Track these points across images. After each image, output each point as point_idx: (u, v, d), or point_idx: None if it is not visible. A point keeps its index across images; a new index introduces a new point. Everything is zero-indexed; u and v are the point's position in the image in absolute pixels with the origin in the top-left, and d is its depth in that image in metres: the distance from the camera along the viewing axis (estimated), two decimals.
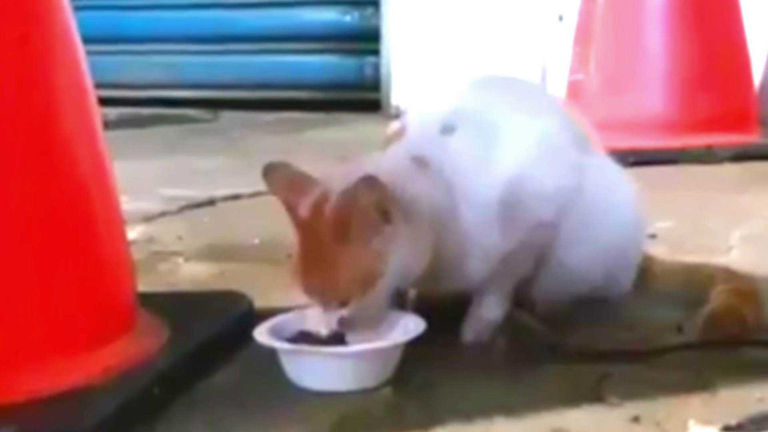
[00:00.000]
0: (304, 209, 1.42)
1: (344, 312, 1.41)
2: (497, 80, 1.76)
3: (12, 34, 1.33)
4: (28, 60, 1.34)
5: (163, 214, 2.59)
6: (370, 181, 1.36)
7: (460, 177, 1.51)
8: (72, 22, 1.43)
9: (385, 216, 1.39)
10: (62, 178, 1.37)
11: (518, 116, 1.58)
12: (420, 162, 1.50)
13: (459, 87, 1.71)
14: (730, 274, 1.71)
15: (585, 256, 1.63)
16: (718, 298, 1.60)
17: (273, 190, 1.45)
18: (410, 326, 1.45)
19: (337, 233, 1.38)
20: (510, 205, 1.51)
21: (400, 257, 1.42)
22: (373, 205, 1.38)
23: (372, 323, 1.44)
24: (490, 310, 1.59)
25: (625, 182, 1.71)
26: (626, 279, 1.72)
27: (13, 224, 1.31)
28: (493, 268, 1.54)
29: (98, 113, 1.46)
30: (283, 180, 1.46)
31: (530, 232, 1.55)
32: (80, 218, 1.40)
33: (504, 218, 1.52)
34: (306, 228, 1.42)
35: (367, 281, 1.40)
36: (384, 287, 1.42)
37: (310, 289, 1.42)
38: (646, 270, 1.77)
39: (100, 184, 1.45)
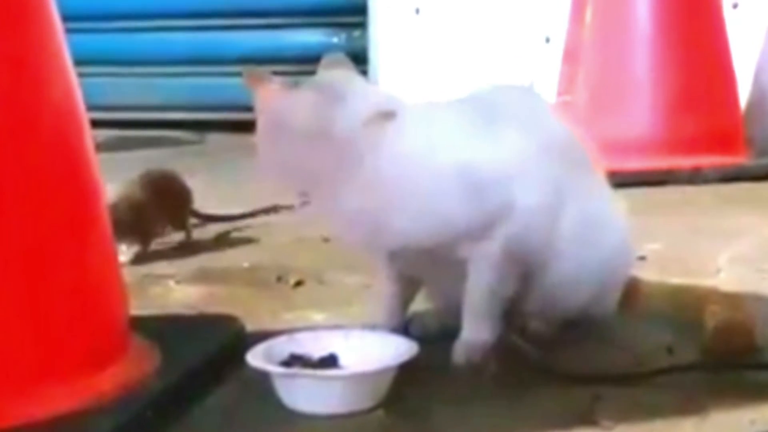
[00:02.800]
0: None
1: None
2: (502, 90, 1.76)
3: (5, 57, 1.33)
4: (21, 82, 1.34)
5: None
6: None
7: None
8: (64, 45, 1.43)
9: None
10: (55, 202, 1.37)
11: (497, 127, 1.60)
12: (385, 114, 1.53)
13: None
14: (719, 296, 1.72)
15: (573, 276, 1.63)
16: (718, 315, 1.60)
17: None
18: (402, 349, 1.45)
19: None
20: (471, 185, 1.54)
21: None
22: None
23: None
24: (480, 333, 1.60)
25: (613, 203, 1.72)
26: (612, 300, 1.72)
27: (5, 250, 1.31)
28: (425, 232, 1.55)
29: (90, 136, 1.47)
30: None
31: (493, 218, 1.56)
32: (72, 243, 1.39)
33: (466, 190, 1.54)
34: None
35: None
36: None
37: None
38: (635, 292, 1.77)
39: (93, 208, 1.45)
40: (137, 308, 1.62)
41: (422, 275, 1.68)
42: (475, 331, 1.60)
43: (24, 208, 1.33)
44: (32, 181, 1.34)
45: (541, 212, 1.58)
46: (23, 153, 1.33)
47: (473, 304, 1.60)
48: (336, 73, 1.62)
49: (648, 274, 1.87)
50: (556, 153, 1.62)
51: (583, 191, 1.64)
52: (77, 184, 1.42)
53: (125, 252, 2.23)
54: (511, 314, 1.63)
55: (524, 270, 1.60)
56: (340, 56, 1.65)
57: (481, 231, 1.55)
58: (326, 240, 2.34)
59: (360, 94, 1.57)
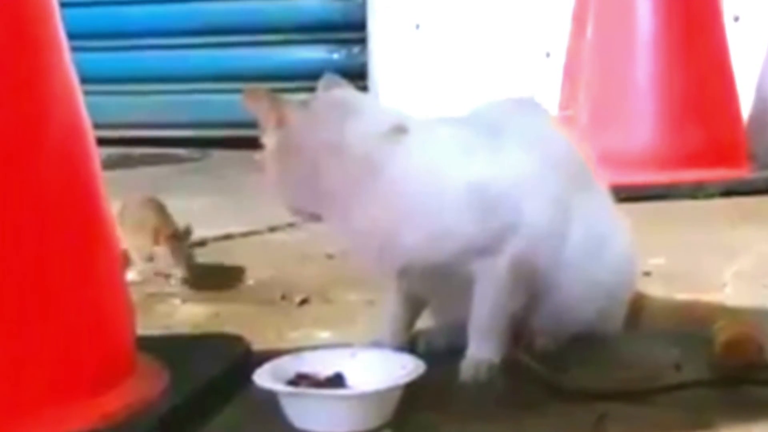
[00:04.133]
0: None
1: None
2: (506, 105, 1.76)
3: (12, 75, 1.33)
4: (28, 100, 1.35)
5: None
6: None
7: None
8: (70, 63, 1.43)
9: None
10: (62, 222, 1.37)
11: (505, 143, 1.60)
12: (397, 128, 1.55)
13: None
14: (726, 311, 1.71)
15: (579, 293, 1.63)
16: (726, 330, 1.60)
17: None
18: (409, 367, 1.45)
19: None
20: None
21: None
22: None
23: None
24: (486, 350, 1.59)
25: (617, 218, 1.72)
26: (618, 316, 1.72)
27: (11, 269, 1.31)
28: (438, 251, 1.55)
29: (97, 154, 1.47)
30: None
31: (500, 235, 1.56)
32: (79, 262, 1.39)
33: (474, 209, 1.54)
34: None
35: None
36: None
37: None
38: (641, 308, 1.77)
39: (100, 227, 1.45)
40: (143, 328, 1.61)
41: (429, 293, 1.68)
42: (482, 349, 1.59)
43: (30, 227, 1.33)
44: (39, 200, 1.34)
45: (547, 229, 1.58)
46: (30, 172, 1.33)
47: (480, 321, 1.60)
48: (344, 91, 1.63)
49: (653, 289, 1.87)
50: (560, 169, 1.63)
51: (588, 207, 1.64)
52: (84, 203, 1.42)
53: (132, 270, 2.22)
54: (517, 331, 1.63)
55: (531, 287, 1.60)
56: (337, 77, 1.66)
57: (488, 248, 1.55)
58: (330, 257, 2.34)
59: (372, 110, 1.58)
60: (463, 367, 1.58)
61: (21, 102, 1.34)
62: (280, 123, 1.56)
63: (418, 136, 1.57)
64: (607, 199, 1.72)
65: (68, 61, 1.43)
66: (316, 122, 1.55)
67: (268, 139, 1.58)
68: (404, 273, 1.61)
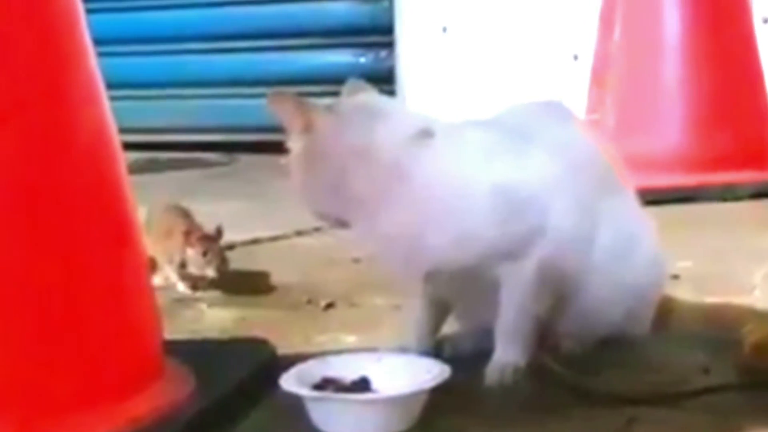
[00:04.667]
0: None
1: None
2: (532, 108, 1.76)
3: (40, 81, 1.34)
4: (56, 106, 1.35)
5: None
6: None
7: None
8: (97, 68, 1.44)
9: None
10: (89, 226, 1.38)
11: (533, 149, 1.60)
12: (424, 132, 1.55)
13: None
14: (755, 314, 1.70)
15: (606, 296, 1.63)
16: (755, 333, 1.58)
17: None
18: (434, 372, 1.45)
19: None
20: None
21: None
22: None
23: None
24: (512, 354, 1.59)
25: (645, 221, 1.71)
26: (646, 318, 1.71)
27: (40, 274, 1.31)
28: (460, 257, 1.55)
29: (123, 158, 1.48)
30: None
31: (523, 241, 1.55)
32: (107, 267, 1.40)
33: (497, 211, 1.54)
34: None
35: None
36: None
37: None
38: (669, 311, 1.76)
39: (127, 232, 1.46)
40: (169, 333, 1.62)
41: (455, 297, 1.68)
42: (508, 352, 1.59)
43: (59, 232, 1.34)
44: (66, 205, 1.35)
45: (573, 233, 1.58)
46: (58, 177, 1.34)
47: (506, 325, 1.59)
48: (370, 95, 1.63)
49: (681, 292, 1.86)
50: (587, 172, 1.62)
51: (615, 210, 1.64)
52: (111, 208, 1.43)
53: (158, 276, 2.23)
54: (544, 335, 1.62)
55: (557, 290, 1.60)
56: (362, 82, 1.66)
57: (514, 251, 1.55)
58: (357, 261, 2.34)
59: (399, 114, 1.58)
60: (488, 370, 1.58)
61: (49, 108, 1.34)
62: (307, 127, 1.56)
63: (444, 139, 1.56)
64: (634, 202, 1.72)
65: (94, 66, 1.43)
66: (344, 127, 1.55)
67: (294, 144, 1.58)
68: (430, 277, 1.61)
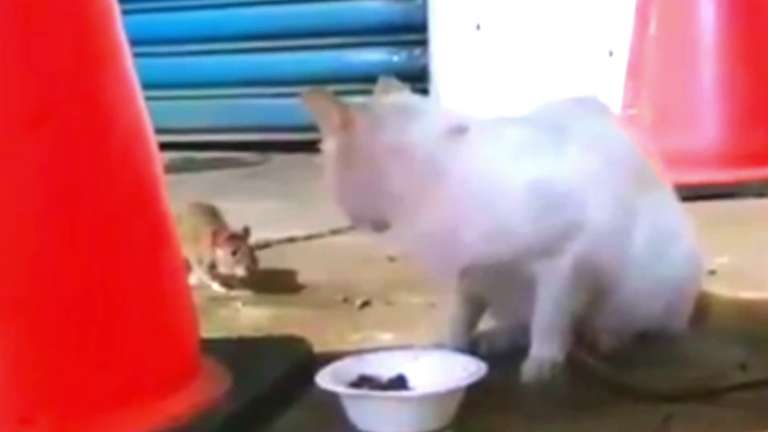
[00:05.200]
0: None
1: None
2: (568, 104, 1.76)
3: (78, 82, 1.35)
4: (93, 107, 1.37)
5: None
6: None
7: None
8: (132, 69, 1.45)
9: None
10: (127, 226, 1.39)
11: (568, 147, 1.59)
12: (458, 129, 1.55)
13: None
14: None
15: (644, 290, 1.62)
16: None
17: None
18: (471, 368, 1.45)
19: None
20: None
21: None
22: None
23: None
24: (549, 350, 1.59)
25: (682, 216, 1.71)
26: (684, 313, 1.71)
27: (79, 273, 1.33)
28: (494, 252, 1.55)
29: (159, 158, 1.49)
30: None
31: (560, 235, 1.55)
32: (145, 266, 1.41)
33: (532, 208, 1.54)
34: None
35: None
36: None
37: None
38: (705, 307, 1.75)
39: (163, 231, 1.46)
40: (205, 331, 1.63)
41: (491, 294, 1.68)
42: (545, 349, 1.59)
43: (97, 232, 1.35)
44: (104, 205, 1.36)
45: (610, 228, 1.58)
46: (96, 178, 1.36)
47: (542, 321, 1.59)
48: (404, 94, 1.64)
49: (718, 288, 1.85)
50: (623, 168, 1.62)
51: (653, 205, 1.63)
52: (148, 208, 1.44)
53: (192, 276, 2.23)
54: (581, 331, 1.62)
55: (594, 286, 1.59)
56: (394, 80, 1.66)
57: (550, 247, 1.55)
58: (392, 260, 2.34)
59: (434, 111, 1.59)
60: (525, 367, 1.58)
61: (85, 108, 1.36)
62: (343, 126, 1.56)
63: (479, 135, 1.56)
64: (672, 198, 1.71)
65: (130, 67, 1.44)
66: (380, 125, 1.55)
67: (329, 143, 1.58)
68: (466, 274, 1.61)
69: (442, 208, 1.54)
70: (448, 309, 1.70)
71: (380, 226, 1.58)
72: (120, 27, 1.43)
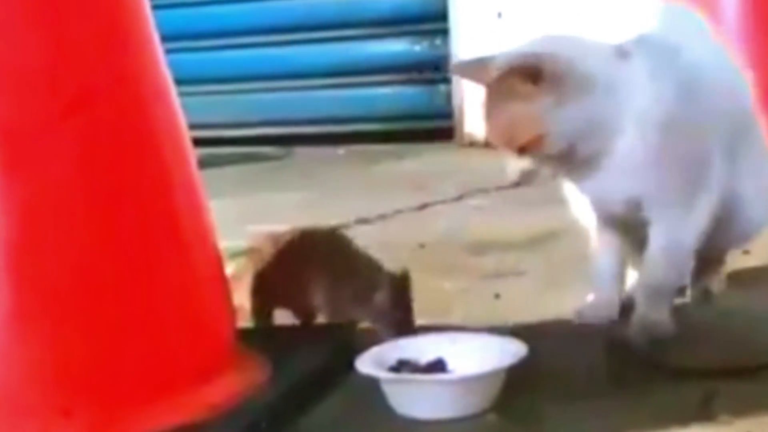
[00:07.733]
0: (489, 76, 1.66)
1: (524, 164, 1.59)
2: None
3: (109, 73, 1.36)
4: (128, 100, 1.37)
5: None
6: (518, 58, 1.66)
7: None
8: (165, 64, 1.45)
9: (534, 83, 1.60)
10: (163, 219, 1.39)
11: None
12: (620, 52, 1.67)
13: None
14: None
15: (752, 195, 1.70)
16: None
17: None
18: (512, 350, 1.44)
19: (499, 95, 1.63)
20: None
21: (562, 122, 1.56)
22: (516, 76, 1.62)
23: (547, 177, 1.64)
24: (656, 311, 1.63)
25: None
26: None
27: (118, 266, 1.33)
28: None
29: (193, 154, 1.48)
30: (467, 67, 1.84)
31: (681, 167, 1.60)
32: (181, 258, 1.41)
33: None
34: (489, 90, 1.67)
35: (533, 136, 1.57)
36: (551, 146, 1.57)
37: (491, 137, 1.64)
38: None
39: (200, 226, 1.46)
40: (243, 321, 1.63)
41: (627, 244, 1.73)
42: (650, 308, 1.62)
43: (132, 224, 1.35)
44: (141, 196, 1.37)
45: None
46: (130, 168, 1.35)
47: (650, 279, 1.64)
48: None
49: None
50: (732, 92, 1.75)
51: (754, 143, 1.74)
52: (183, 199, 1.44)
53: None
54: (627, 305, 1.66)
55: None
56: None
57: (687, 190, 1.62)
58: (422, 246, 2.34)
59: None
60: (631, 329, 1.61)
61: (118, 100, 1.35)
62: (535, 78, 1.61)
63: (641, 59, 1.66)
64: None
65: (163, 61, 1.44)
66: (598, 60, 1.67)
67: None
68: (611, 220, 1.68)
69: (628, 146, 1.58)
70: (596, 261, 1.75)
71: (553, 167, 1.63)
72: (150, 21, 1.43)
